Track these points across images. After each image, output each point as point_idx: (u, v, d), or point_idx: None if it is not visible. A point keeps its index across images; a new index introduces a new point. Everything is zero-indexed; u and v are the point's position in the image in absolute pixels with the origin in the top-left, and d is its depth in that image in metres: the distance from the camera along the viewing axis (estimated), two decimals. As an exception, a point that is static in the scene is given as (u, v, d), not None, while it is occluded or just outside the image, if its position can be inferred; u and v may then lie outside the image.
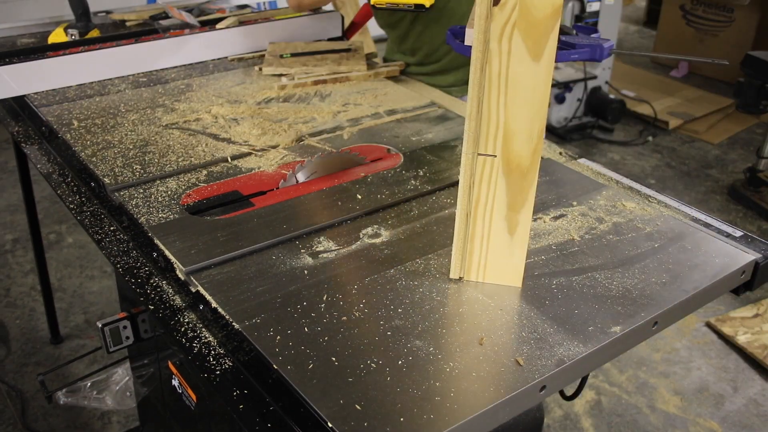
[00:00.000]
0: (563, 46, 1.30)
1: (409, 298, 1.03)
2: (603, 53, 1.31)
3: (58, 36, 2.03)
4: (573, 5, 3.83)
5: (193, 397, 1.22)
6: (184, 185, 1.33)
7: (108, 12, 2.38)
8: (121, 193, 1.30)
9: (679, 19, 5.22)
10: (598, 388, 2.43)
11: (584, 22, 3.86)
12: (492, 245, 1.05)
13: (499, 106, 0.96)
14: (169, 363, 1.28)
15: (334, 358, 0.91)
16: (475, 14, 0.93)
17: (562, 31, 1.37)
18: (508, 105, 0.96)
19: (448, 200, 1.30)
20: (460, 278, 1.08)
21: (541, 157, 1.38)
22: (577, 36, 1.33)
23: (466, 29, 1.08)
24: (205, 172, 1.38)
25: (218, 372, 0.94)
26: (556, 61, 1.29)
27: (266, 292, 1.03)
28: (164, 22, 2.09)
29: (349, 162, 1.44)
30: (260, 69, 1.91)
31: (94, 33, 2.06)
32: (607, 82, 4.30)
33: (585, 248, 1.17)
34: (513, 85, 0.95)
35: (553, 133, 4.22)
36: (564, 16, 3.83)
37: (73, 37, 2.01)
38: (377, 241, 1.17)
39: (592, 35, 1.34)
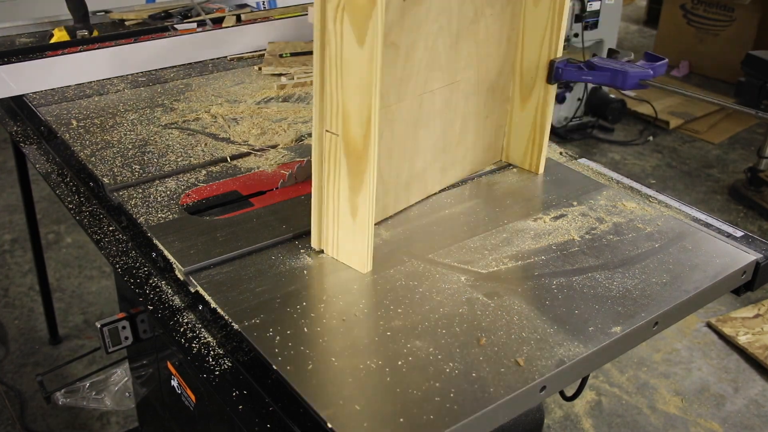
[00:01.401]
0: (584, 66, 1.28)
1: (409, 298, 1.02)
2: (626, 81, 1.25)
3: (61, 38, 2.03)
4: (573, 5, 3.82)
5: (192, 397, 1.22)
6: (183, 185, 1.32)
7: (107, 11, 2.37)
8: (120, 193, 1.29)
9: (680, 18, 5.22)
10: (598, 389, 2.42)
11: (584, 21, 3.85)
12: (340, 225, 1.08)
13: (338, 87, 0.99)
14: (168, 363, 1.28)
15: (333, 358, 0.91)
16: None
17: (610, 53, 1.35)
18: (344, 87, 0.99)
19: (448, 200, 1.30)
20: (321, 250, 1.11)
21: (544, 157, 1.39)
22: (608, 59, 1.28)
23: (309, 8, 1.11)
24: (204, 171, 1.38)
25: (217, 372, 0.93)
26: (568, 79, 1.28)
27: (266, 292, 1.03)
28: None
29: (349, 162, 1.43)
30: (259, 68, 1.90)
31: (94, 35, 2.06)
32: (607, 82, 4.29)
33: (585, 248, 1.16)
34: (346, 69, 0.97)
35: (554, 132, 4.22)
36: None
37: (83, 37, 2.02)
38: (377, 240, 1.16)
39: (639, 62, 1.27)
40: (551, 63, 1.29)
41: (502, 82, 1.34)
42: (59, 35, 2.01)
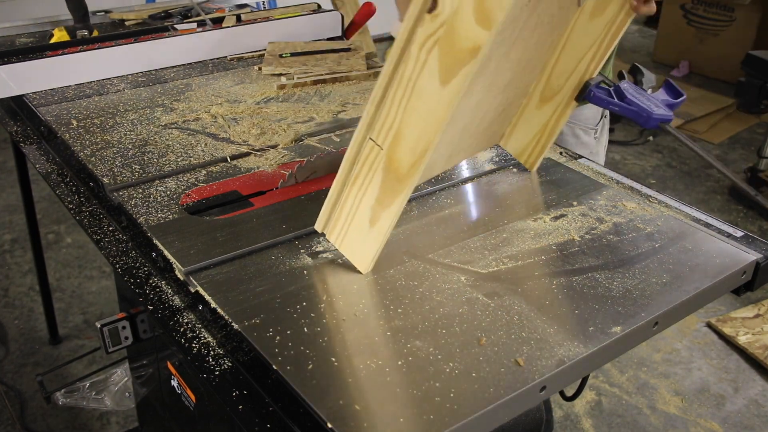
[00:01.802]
0: (613, 93, 1.25)
1: (409, 298, 1.02)
2: (648, 122, 1.22)
3: (61, 38, 2.03)
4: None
5: (192, 397, 1.22)
6: (183, 185, 1.32)
7: (107, 11, 2.37)
8: (120, 193, 1.29)
9: (680, 18, 5.22)
10: (598, 389, 2.42)
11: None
12: (354, 225, 1.07)
13: (400, 107, 0.96)
14: (168, 363, 1.28)
15: (333, 358, 0.91)
16: (409, 11, 0.91)
17: (634, 70, 1.32)
18: (407, 110, 0.95)
19: (448, 200, 1.30)
20: (323, 234, 1.12)
21: (542, 157, 1.39)
22: (636, 88, 1.26)
23: (396, 22, 1.08)
24: (204, 171, 1.38)
25: (217, 372, 0.93)
26: (596, 103, 1.26)
27: (266, 292, 1.03)
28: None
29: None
30: (259, 69, 1.90)
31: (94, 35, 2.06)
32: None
33: (585, 248, 1.16)
34: (417, 96, 0.93)
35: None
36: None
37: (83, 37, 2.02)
38: (377, 241, 1.16)
39: (660, 91, 1.26)
40: (586, 84, 1.26)
41: (528, 80, 1.32)
42: (59, 35, 2.01)
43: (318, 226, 1.11)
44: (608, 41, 1.22)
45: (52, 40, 2.00)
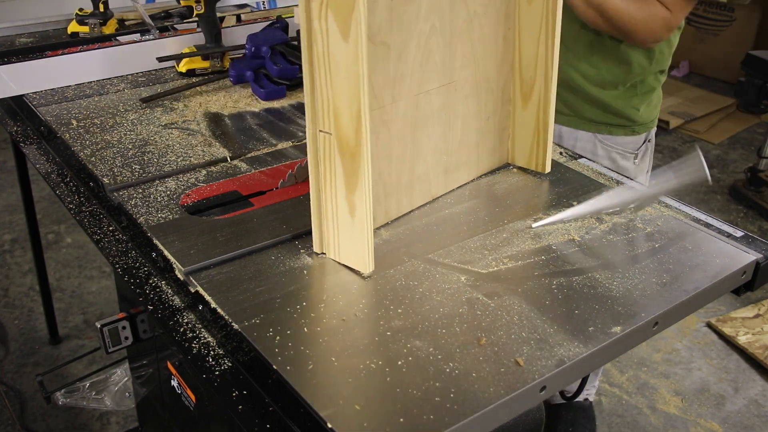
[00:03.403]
0: None
1: (409, 298, 1.02)
2: None
3: (75, 26, 2.06)
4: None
5: (192, 397, 1.22)
6: (183, 185, 1.32)
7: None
8: (120, 193, 1.29)
9: (679, 18, 5.22)
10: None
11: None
12: (340, 225, 1.07)
13: (327, 85, 1.00)
14: (168, 363, 1.28)
15: (333, 359, 0.91)
16: None
17: None
18: (333, 85, 0.99)
19: (449, 200, 1.30)
20: (323, 253, 1.11)
21: (549, 155, 1.39)
22: None
23: (294, 9, 1.12)
24: (204, 171, 1.38)
25: (217, 372, 0.93)
26: None
27: (266, 292, 1.03)
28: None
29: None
30: (260, 68, 1.90)
31: (113, 23, 2.07)
32: (607, 82, 4.28)
33: (585, 248, 1.16)
34: (334, 66, 0.98)
35: (553, 133, 4.20)
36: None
37: (93, 28, 2.03)
38: (377, 240, 1.16)
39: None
40: None
41: (502, 83, 1.34)
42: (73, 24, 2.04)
43: (316, 247, 1.12)
44: (552, 17, 1.26)
45: (70, 29, 2.05)
